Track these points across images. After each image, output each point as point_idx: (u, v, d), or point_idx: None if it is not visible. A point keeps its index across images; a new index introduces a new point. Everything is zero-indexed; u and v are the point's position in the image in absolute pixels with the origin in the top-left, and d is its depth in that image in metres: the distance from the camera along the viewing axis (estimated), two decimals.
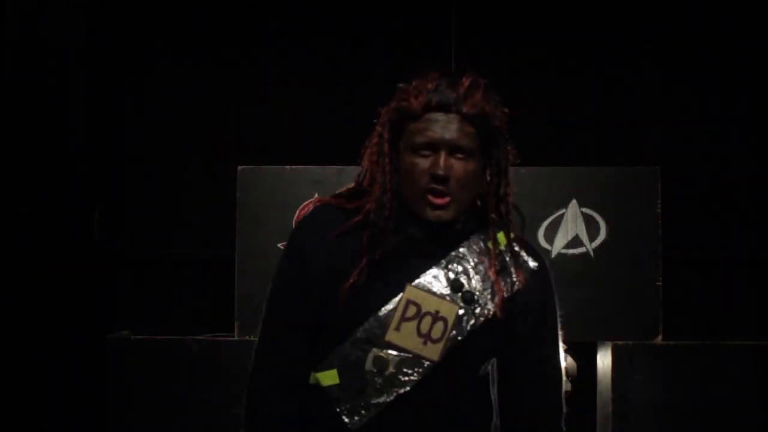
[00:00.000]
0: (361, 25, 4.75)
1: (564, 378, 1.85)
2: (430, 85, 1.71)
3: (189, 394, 3.83)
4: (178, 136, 4.74)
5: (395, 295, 1.70)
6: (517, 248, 1.79)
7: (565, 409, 1.83)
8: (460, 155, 1.69)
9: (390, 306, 1.70)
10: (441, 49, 4.63)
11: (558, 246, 3.82)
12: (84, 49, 4.41)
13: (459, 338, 1.70)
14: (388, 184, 1.72)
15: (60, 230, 4.27)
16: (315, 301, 1.74)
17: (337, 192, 1.83)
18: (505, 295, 1.73)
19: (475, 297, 1.72)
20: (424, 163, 1.69)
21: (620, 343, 3.73)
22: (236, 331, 3.90)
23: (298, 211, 3.93)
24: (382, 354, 1.69)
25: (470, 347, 1.72)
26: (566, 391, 4.40)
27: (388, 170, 1.73)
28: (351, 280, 1.69)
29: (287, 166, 3.97)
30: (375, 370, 1.69)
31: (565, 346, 4.15)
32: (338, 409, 1.72)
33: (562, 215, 3.85)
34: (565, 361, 4.19)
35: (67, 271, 4.28)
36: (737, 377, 3.73)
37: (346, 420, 1.71)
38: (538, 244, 3.80)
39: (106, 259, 4.64)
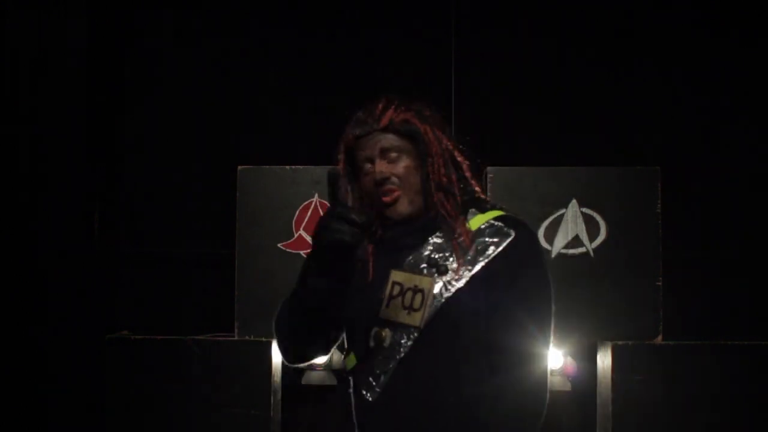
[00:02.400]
0: (362, 26, 4.75)
1: (537, 348, 1.99)
2: (354, 120, 2.12)
3: (189, 394, 3.83)
4: (178, 136, 4.73)
5: (386, 282, 2.03)
6: (494, 222, 2.05)
7: (533, 373, 1.98)
8: (391, 155, 2.05)
9: (383, 292, 2.03)
10: (441, 50, 4.63)
11: (558, 246, 3.82)
12: (84, 48, 4.41)
13: (437, 305, 1.98)
14: (358, 204, 2.10)
15: (60, 230, 4.27)
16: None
17: None
18: (482, 261, 1.99)
19: (450, 269, 2.00)
20: (368, 177, 2.07)
21: (620, 343, 3.73)
22: (236, 331, 3.90)
23: (298, 211, 3.94)
24: (380, 331, 2.00)
25: (448, 312, 1.98)
26: (566, 391, 4.41)
27: (355, 191, 2.12)
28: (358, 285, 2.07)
29: (287, 166, 3.97)
30: (375, 344, 1.99)
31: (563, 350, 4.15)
32: (359, 387, 2.03)
33: (562, 215, 3.85)
34: (564, 360, 4.19)
35: (67, 271, 4.28)
36: (737, 377, 3.73)
37: (365, 393, 2.01)
38: None
39: (106, 259, 4.64)
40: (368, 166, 2.06)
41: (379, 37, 4.74)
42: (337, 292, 1.97)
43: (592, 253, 3.83)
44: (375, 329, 2.00)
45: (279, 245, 3.92)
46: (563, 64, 4.65)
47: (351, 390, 2.06)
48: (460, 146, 2.13)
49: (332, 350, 2.15)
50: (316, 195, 3.91)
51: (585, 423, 4.14)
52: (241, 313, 3.89)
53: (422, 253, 2.03)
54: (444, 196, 2.04)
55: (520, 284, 1.98)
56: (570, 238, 3.83)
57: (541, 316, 2.01)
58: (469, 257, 1.99)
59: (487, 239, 2.00)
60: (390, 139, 2.05)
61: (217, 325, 4.30)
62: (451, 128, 2.15)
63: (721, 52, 4.65)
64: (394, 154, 2.04)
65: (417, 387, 1.97)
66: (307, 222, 3.92)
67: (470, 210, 2.08)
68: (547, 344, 2.02)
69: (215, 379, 3.81)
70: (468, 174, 2.12)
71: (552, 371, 4.08)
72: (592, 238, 3.83)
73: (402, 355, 1.97)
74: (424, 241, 2.04)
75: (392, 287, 1.99)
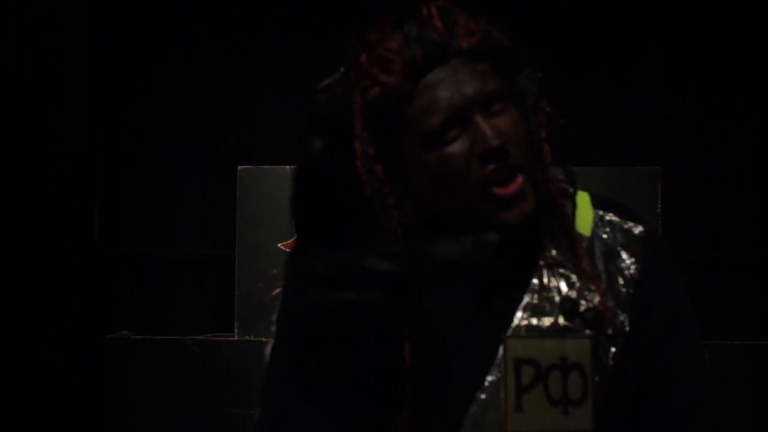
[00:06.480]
0: (361, 25, 4.74)
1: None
2: (395, 43, 1.08)
3: (189, 394, 3.83)
4: (178, 136, 4.73)
5: (491, 362, 1.07)
6: (609, 217, 1.16)
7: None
8: (496, 108, 1.06)
9: (491, 378, 1.07)
10: None
11: None
12: (84, 49, 4.41)
13: (605, 384, 1.08)
14: (397, 219, 1.07)
15: (60, 230, 4.27)
16: None
17: None
18: (630, 290, 1.12)
19: (600, 312, 1.09)
20: (460, 147, 1.04)
21: None
22: (236, 331, 3.90)
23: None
24: None
25: (625, 386, 1.10)
26: None
27: (393, 201, 1.06)
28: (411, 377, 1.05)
29: (287, 166, 3.97)
30: None
31: None
32: None
33: None
34: None
35: (67, 271, 4.28)
36: (737, 377, 3.73)
37: None
38: None
39: (106, 259, 4.64)
40: (452, 132, 1.04)
41: None
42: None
43: None
44: None
45: (279, 245, 3.92)
46: (563, 65, 4.65)
47: None
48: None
49: None
50: None
51: None
52: (241, 313, 3.89)
53: (542, 294, 1.10)
54: (552, 178, 1.15)
55: (679, 317, 1.16)
56: None
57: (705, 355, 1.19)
58: (607, 285, 1.12)
59: (613, 248, 1.14)
60: (489, 75, 1.07)
61: (217, 325, 4.30)
62: None
63: (721, 52, 4.65)
64: (499, 105, 1.07)
65: None
66: None
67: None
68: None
69: (215, 379, 3.81)
70: None
71: None
72: None
73: None
74: (533, 269, 1.11)
75: (518, 370, 1.06)
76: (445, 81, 1.05)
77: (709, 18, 4.66)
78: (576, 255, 1.11)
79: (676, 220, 4.36)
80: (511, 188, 1.05)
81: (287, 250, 3.92)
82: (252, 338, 3.86)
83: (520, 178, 1.05)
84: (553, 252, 1.11)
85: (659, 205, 3.88)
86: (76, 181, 4.36)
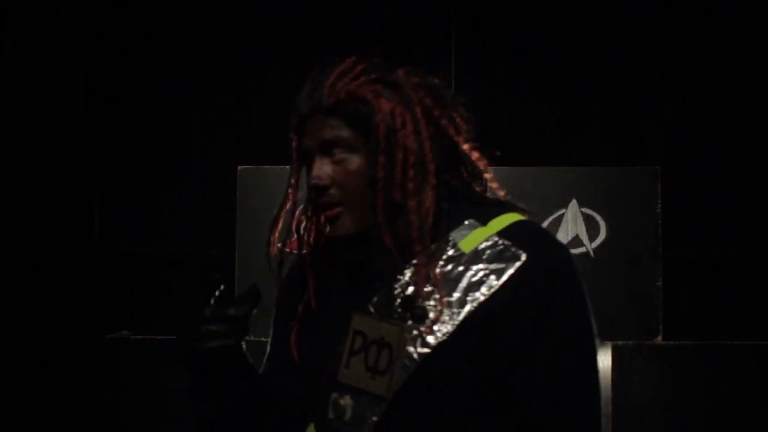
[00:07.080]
0: (361, 26, 4.75)
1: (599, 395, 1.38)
2: (303, 90, 1.55)
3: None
4: (178, 136, 4.73)
5: (347, 329, 1.42)
6: (503, 241, 1.37)
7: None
8: (335, 154, 1.42)
9: (342, 343, 1.43)
10: (441, 49, 4.63)
11: None
12: (84, 49, 4.41)
13: (409, 366, 1.33)
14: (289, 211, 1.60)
15: (60, 230, 4.27)
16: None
17: None
18: (472, 302, 1.33)
19: (430, 312, 1.34)
20: (307, 179, 1.49)
21: (620, 343, 3.73)
22: None
23: (298, 211, 3.93)
24: (339, 399, 1.40)
25: (426, 376, 1.33)
26: None
27: (290, 197, 1.60)
28: (294, 330, 1.56)
29: (287, 166, 3.96)
30: (336, 417, 1.39)
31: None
32: None
33: (562, 215, 3.85)
34: None
35: (67, 271, 4.28)
36: (737, 377, 3.73)
37: None
38: None
39: (106, 259, 4.64)
40: (307, 164, 1.51)
41: (378, 41, 4.74)
42: (239, 414, 1.51)
43: (592, 253, 3.83)
44: (334, 397, 1.40)
45: (279, 245, 3.92)
46: (563, 65, 4.65)
47: None
48: (465, 126, 1.48)
49: None
50: None
51: None
52: None
53: (397, 287, 1.38)
54: (390, 219, 1.39)
55: (546, 344, 1.34)
56: (570, 238, 3.83)
57: (586, 395, 1.36)
58: (456, 296, 1.34)
59: (483, 267, 1.35)
60: (335, 128, 1.42)
61: None
62: (450, 98, 1.51)
63: (721, 52, 4.65)
64: (340, 153, 1.42)
65: None
66: None
67: (467, 222, 1.41)
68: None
69: None
70: (482, 167, 1.48)
71: None
72: (592, 238, 3.84)
73: None
74: (403, 267, 1.39)
75: (354, 338, 1.40)
76: (309, 128, 1.48)
77: (709, 18, 4.66)
78: (428, 264, 1.37)
79: (676, 220, 4.36)
80: (329, 213, 1.45)
81: (288, 250, 3.92)
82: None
83: (337, 209, 1.43)
84: (414, 260, 1.38)
85: (659, 205, 3.88)
86: (76, 181, 4.36)
